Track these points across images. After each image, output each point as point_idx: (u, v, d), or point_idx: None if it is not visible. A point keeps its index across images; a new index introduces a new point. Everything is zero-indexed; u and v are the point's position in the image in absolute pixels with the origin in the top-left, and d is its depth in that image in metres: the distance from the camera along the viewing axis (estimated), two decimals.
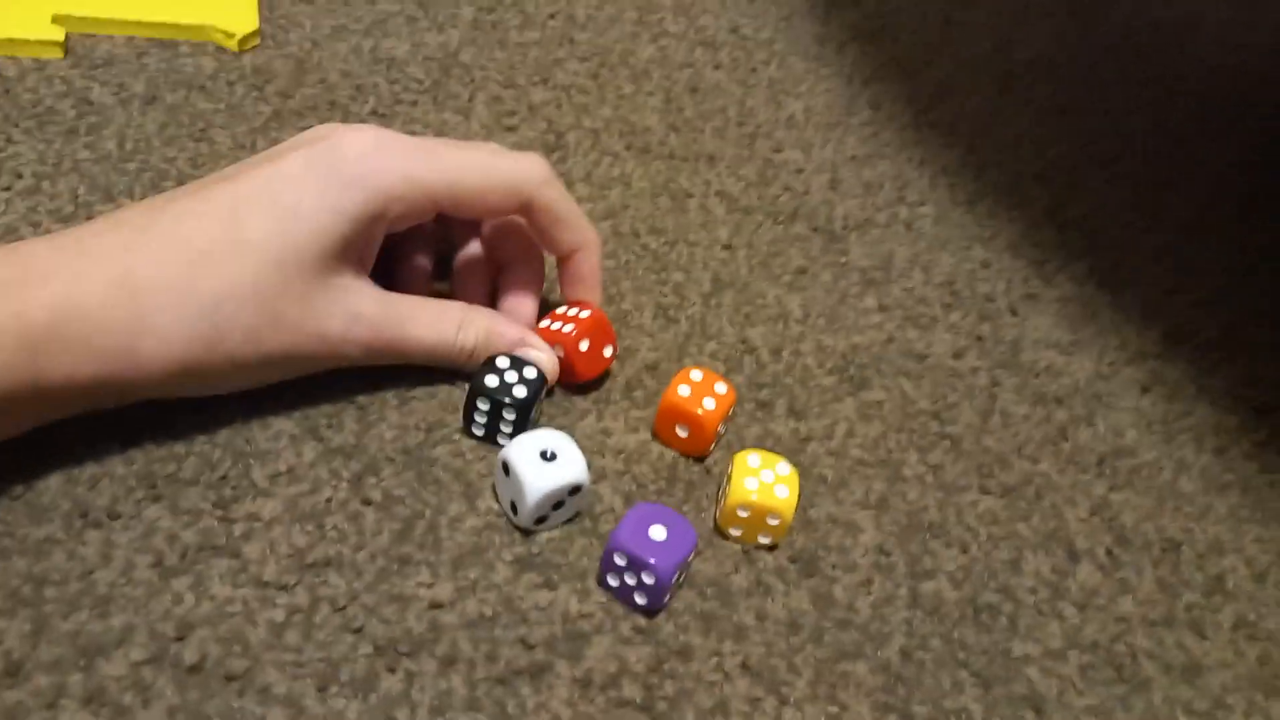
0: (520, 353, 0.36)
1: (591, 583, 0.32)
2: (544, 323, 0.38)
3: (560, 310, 0.38)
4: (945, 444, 0.40)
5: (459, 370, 0.36)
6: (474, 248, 0.39)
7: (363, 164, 0.32)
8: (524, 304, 0.38)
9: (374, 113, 0.49)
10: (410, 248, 0.38)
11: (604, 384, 0.39)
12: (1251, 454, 0.43)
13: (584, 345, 0.37)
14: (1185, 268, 0.53)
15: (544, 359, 0.36)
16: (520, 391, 0.34)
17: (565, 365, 0.37)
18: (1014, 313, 0.47)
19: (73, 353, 0.28)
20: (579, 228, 0.37)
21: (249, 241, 0.30)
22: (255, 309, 0.30)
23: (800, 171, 0.53)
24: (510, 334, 0.36)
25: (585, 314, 0.37)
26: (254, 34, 0.51)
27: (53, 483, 0.31)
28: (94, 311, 0.28)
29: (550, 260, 0.39)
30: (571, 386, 0.38)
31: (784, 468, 0.34)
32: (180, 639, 0.28)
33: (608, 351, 0.38)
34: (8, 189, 0.40)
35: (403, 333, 0.34)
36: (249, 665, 0.28)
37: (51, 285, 0.28)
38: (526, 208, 0.35)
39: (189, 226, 0.30)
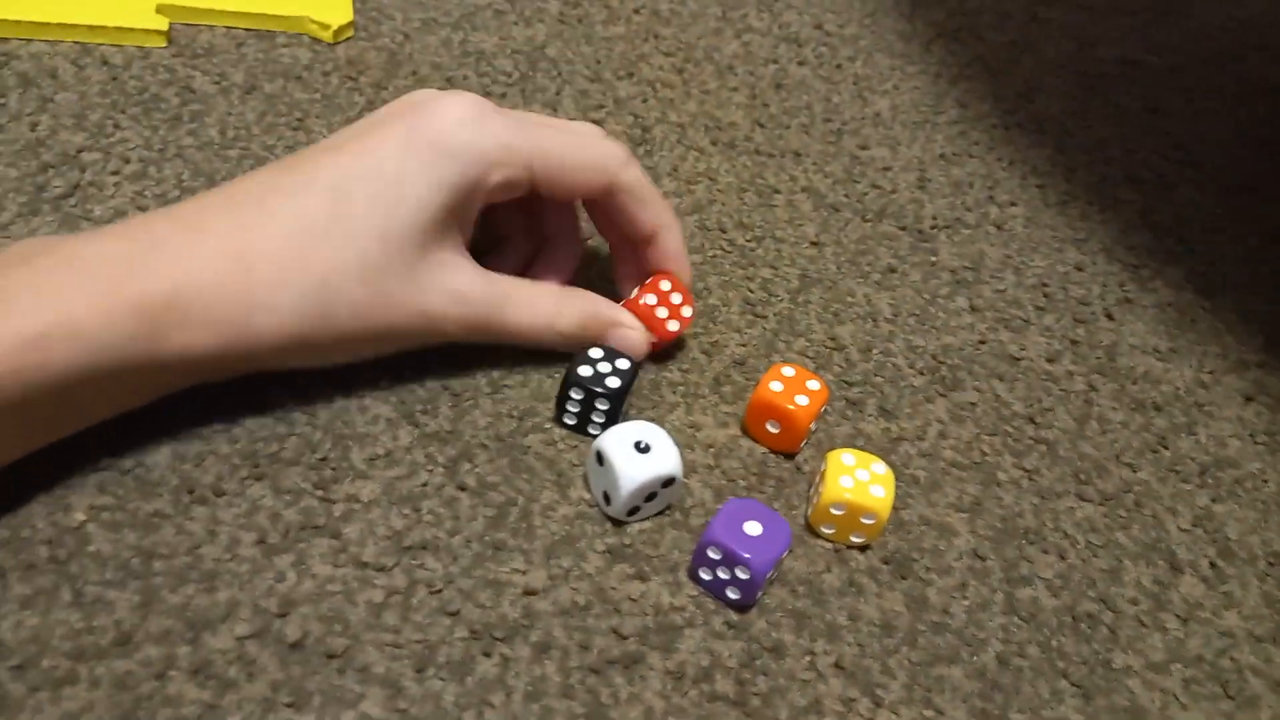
0: (616, 334, 0.36)
1: (683, 576, 0.32)
2: (646, 299, 0.37)
3: (661, 286, 0.38)
4: (1041, 449, 0.39)
5: (551, 354, 0.37)
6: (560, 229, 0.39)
7: (462, 133, 0.32)
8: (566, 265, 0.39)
9: None
10: (504, 226, 0.39)
11: (692, 378, 0.38)
12: None
13: (673, 326, 0.37)
14: (1278, 274, 0.52)
15: (639, 342, 0.37)
16: (614, 382, 0.34)
17: (658, 327, 0.37)
18: (1110, 317, 0.46)
19: (190, 326, 0.29)
20: (661, 208, 0.37)
21: (355, 218, 0.31)
22: (361, 285, 0.31)
23: (887, 169, 0.52)
24: (608, 314, 0.36)
25: (688, 310, 0.38)
26: (348, 25, 0.51)
27: (161, 459, 0.31)
28: (210, 287, 0.29)
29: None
30: (663, 376, 0.38)
31: (879, 467, 0.34)
32: (283, 615, 0.28)
33: (688, 311, 0.38)
34: (116, 173, 0.41)
35: (501, 314, 0.34)
36: (349, 644, 0.28)
37: (170, 261, 0.29)
38: (610, 188, 0.36)
39: (298, 203, 0.31)
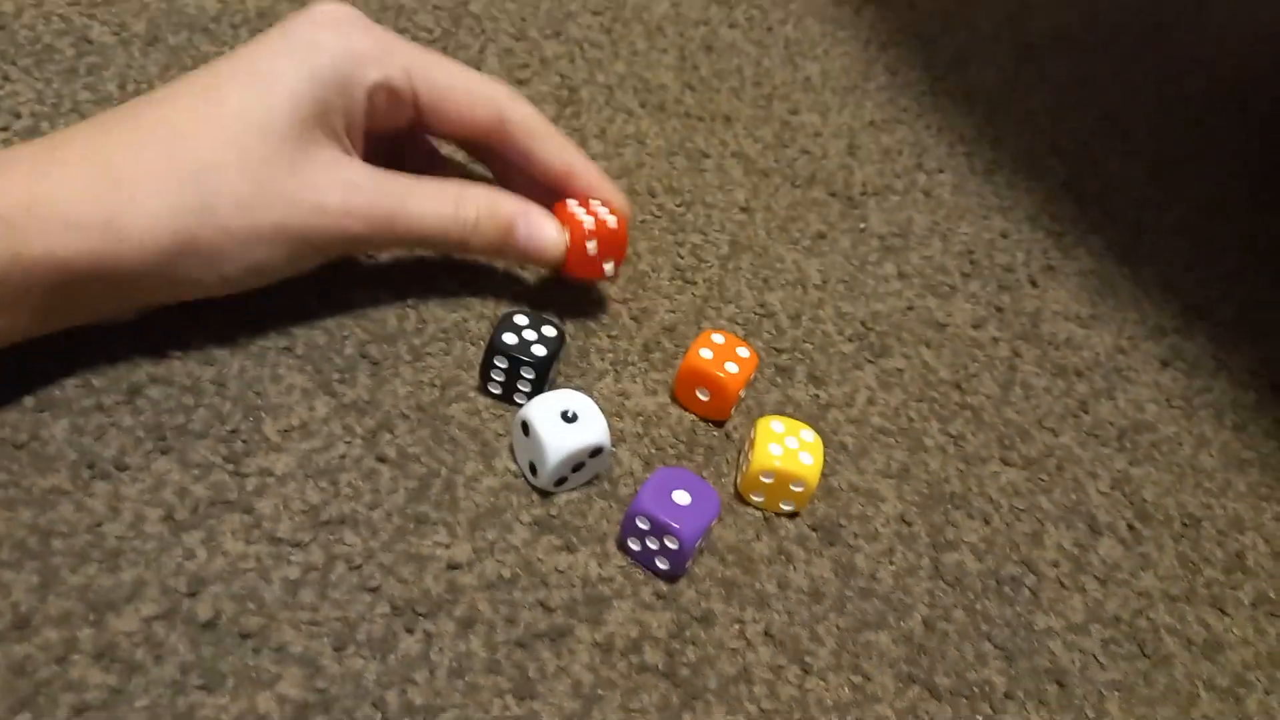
0: (525, 223, 0.34)
1: (611, 547, 0.31)
2: (569, 202, 0.36)
3: (591, 201, 0.36)
4: (966, 414, 0.39)
5: (475, 320, 0.35)
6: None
7: (339, 31, 0.32)
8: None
9: None
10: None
11: (621, 344, 0.38)
12: (1271, 431, 0.43)
13: (591, 246, 0.35)
14: (1202, 244, 0.53)
15: (550, 232, 0.35)
16: (539, 350, 0.33)
17: (569, 256, 0.35)
18: (1034, 284, 0.47)
19: (50, 228, 0.27)
20: (562, 141, 0.36)
21: (229, 111, 0.29)
22: (242, 176, 0.29)
23: (818, 135, 0.52)
24: (512, 204, 0.35)
25: (612, 220, 0.36)
26: None
27: (58, 432, 0.29)
28: (70, 188, 0.27)
29: None
30: (591, 344, 0.37)
31: (808, 435, 0.33)
32: (193, 595, 0.27)
33: (609, 268, 0.36)
34: (5, 129, 0.38)
35: (403, 204, 0.33)
36: (264, 623, 0.27)
37: (26, 171, 0.27)
38: (501, 120, 0.34)
39: (167, 108, 0.29)
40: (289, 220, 0.30)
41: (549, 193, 0.36)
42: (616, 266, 0.37)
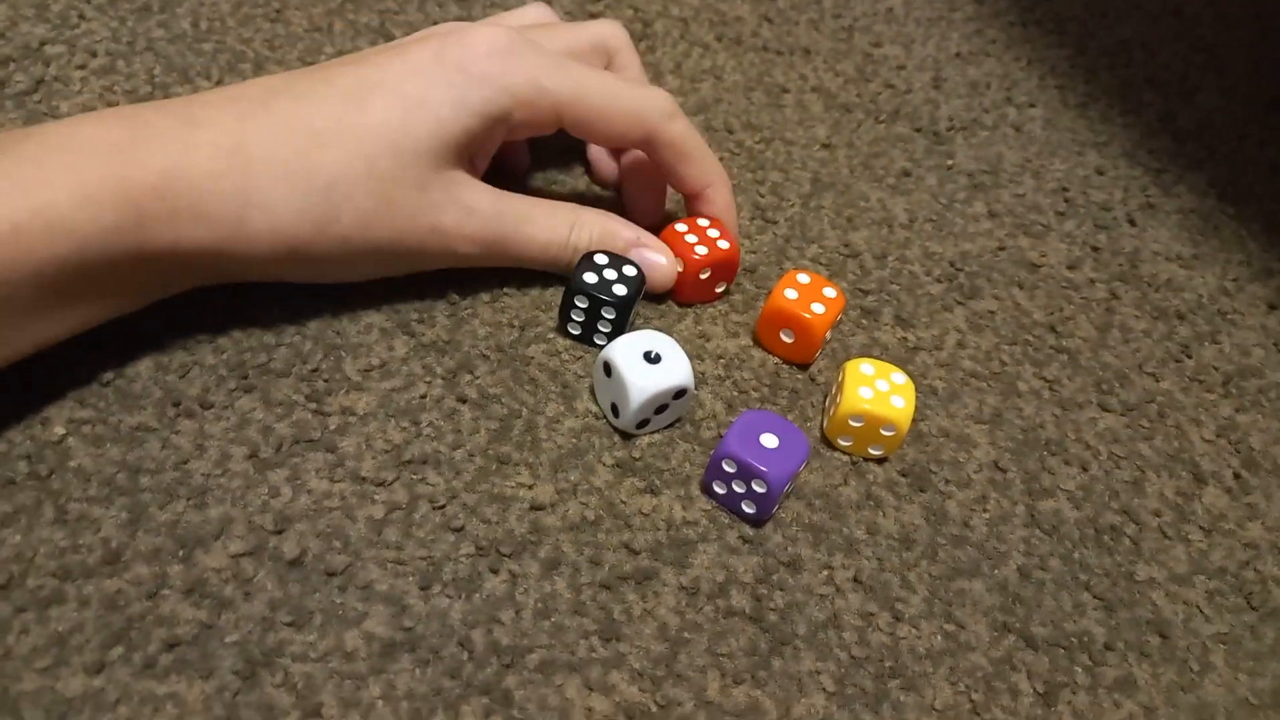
0: (635, 254, 0.34)
1: (695, 490, 0.31)
2: (679, 226, 0.35)
3: (699, 222, 0.36)
4: (1062, 358, 0.37)
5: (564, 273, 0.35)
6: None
7: (493, 63, 0.31)
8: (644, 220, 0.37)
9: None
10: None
11: None
12: None
13: (704, 275, 0.35)
14: None
15: (663, 261, 0.34)
16: (620, 290, 0.32)
17: (679, 284, 0.35)
18: (1132, 223, 0.44)
19: (179, 219, 0.27)
20: (707, 165, 0.35)
21: (369, 125, 0.29)
22: (368, 192, 0.29)
23: (901, 68, 0.50)
24: (626, 234, 0.34)
25: (724, 244, 0.35)
26: None
27: (142, 370, 0.29)
28: (203, 179, 0.27)
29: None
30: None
31: (899, 377, 0.32)
32: (279, 532, 0.27)
33: (720, 288, 0.36)
34: (82, 67, 0.38)
35: (516, 229, 0.32)
36: (349, 561, 0.27)
37: (161, 149, 0.27)
38: (650, 140, 0.34)
39: (309, 106, 0.29)
40: (404, 238, 0.31)
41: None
42: (728, 287, 0.37)
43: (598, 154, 0.39)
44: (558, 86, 0.32)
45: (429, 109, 0.30)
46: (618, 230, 0.34)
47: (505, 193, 0.33)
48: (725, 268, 0.35)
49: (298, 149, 0.28)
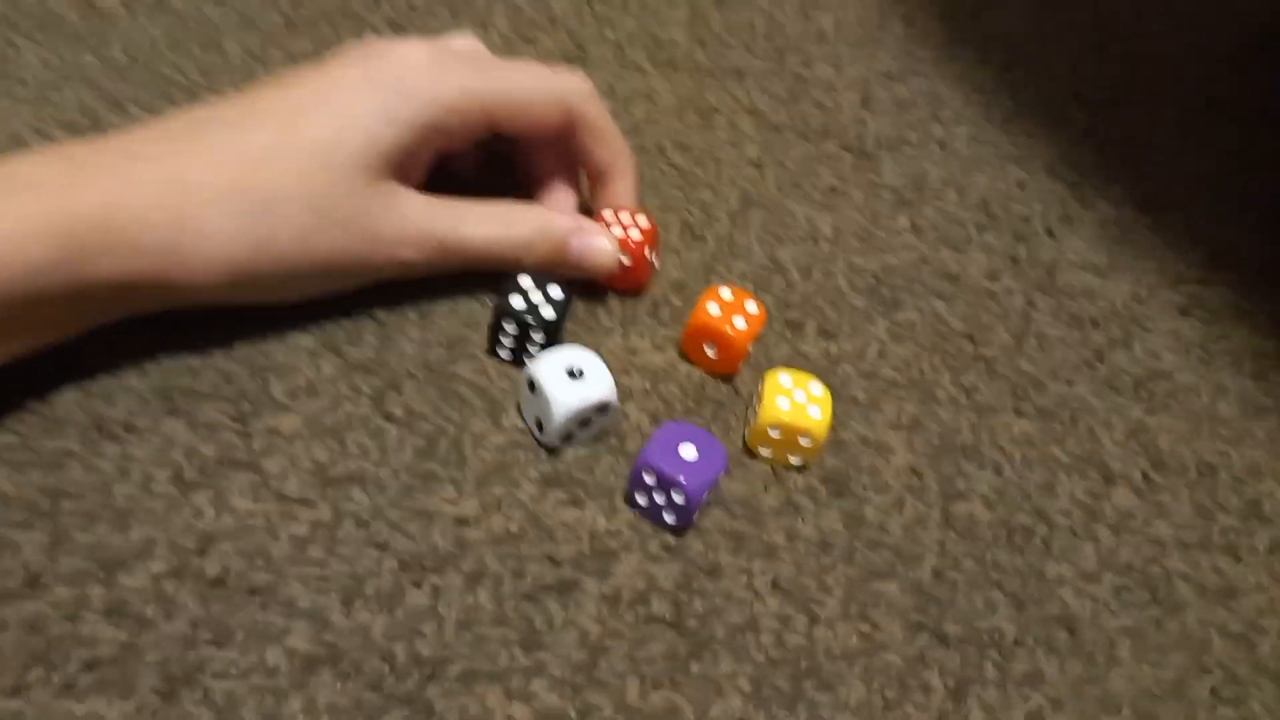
0: (577, 240, 0.35)
1: (619, 501, 0.31)
2: (605, 216, 0.37)
3: (610, 213, 0.37)
4: (979, 366, 0.39)
5: (479, 281, 0.35)
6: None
7: (419, 75, 0.32)
8: (566, 206, 0.38)
9: (389, 22, 0.48)
10: (458, 159, 0.38)
11: (629, 302, 0.37)
12: None
13: (649, 253, 0.36)
14: (1228, 195, 0.52)
15: (606, 245, 0.35)
16: (548, 313, 0.33)
17: (626, 273, 0.36)
18: (1050, 234, 0.46)
19: (119, 251, 0.27)
20: (618, 145, 0.36)
21: (301, 144, 0.30)
22: (304, 209, 0.30)
23: (831, 88, 0.51)
24: (564, 222, 0.35)
25: (645, 222, 0.36)
26: None
27: (67, 395, 0.30)
28: (142, 211, 0.27)
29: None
30: (598, 301, 0.37)
31: (816, 388, 0.33)
32: (202, 552, 0.27)
33: (657, 262, 0.38)
34: (11, 96, 0.38)
35: (455, 231, 0.33)
36: (272, 579, 0.27)
37: (98, 184, 0.27)
38: (569, 122, 0.35)
39: (241, 131, 0.30)
40: (344, 250, 0.31)
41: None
42: (659, 260, 0.38)
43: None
44: (483, 87, 0.33)
45: (359, 124, 0.31)
46: (556, 220, 0.35)
47: (441, 198, 0.34)
48: (655, 243, 0.37)
49: (232, 173, 0.29)
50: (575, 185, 0.38)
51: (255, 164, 0.29)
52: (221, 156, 0.29)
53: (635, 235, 0.36)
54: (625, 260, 0.36)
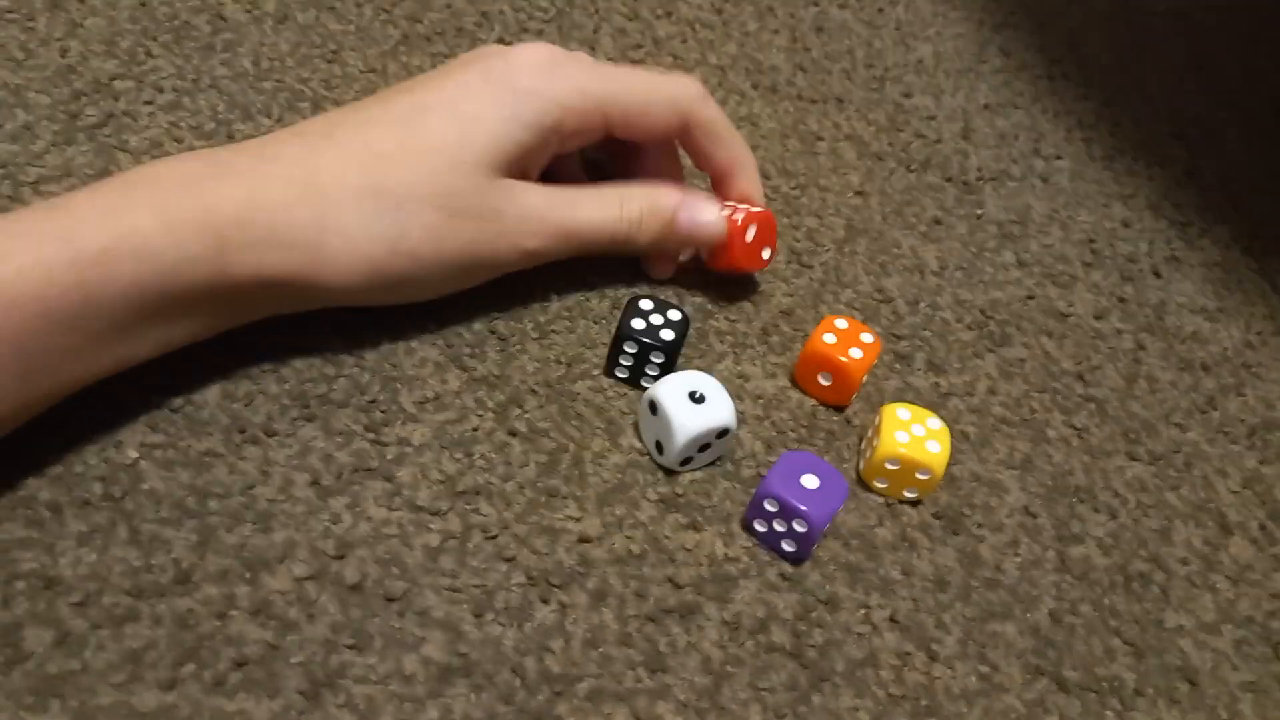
0: (685, 210, 0.35)
1: (735, 527, 0.32)
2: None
3: (729, 203, 0.37)
4: (1090, 407, 0.38)
5: (598, 301, 0.36)
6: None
7: (538, 76, 0.32)
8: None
9: (500, 41, 0.48)
10: (565, 165, 0.38)
11: (740, 328, 0.38)
12: None
13: (750, 233, 0.36)
14: None
15: (712, 216, 0.36)
16: (667, 334, 0.33)
17: (723, 248, 0.36)
18: (1157, 274, 0.46)
19: (259, 247, 0.28)
20: (736, 144, 0.37)
21: (428, 145, 0.31)
22: (435, 208, 0.31)
23: (931, 118, 0.51)
24: (672, 196, 0.36)
25: (756, 208, 0.37)
26: None
27: (210, 398, 0.31)
28: (280, 208, 0.28)
29: None
30: (710, 327, 0.37)
31: (935, 422, 0.33)
32: (340, 557, 0.28)
33: (766, 254, 0.37)
34: (150, 103, 0.40)
35: (573, 215, 0.34)
36: (407, 587, 0.28)
37: (239, 183, 0.28)
38: (685, 125, 0.35)
39: (371, 133, 0.31)
40: (473, 243, 0.32)
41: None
42: (772, 254, 0.38)
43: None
44: (600, 89, 0.34)
45: (482, 125, 0.32)
46: (664, 194, 0.36)
47: (555, 186, 0.34)
48: (766, 228, 0.37)
49: (365, 174, 0.30)
50: (681, 186, 0.38)
51: (385, 165, 0.30)
52: (353, 157, 0.30)
53: (738, 216, 0.36)
54: (723, 217, 0.36)
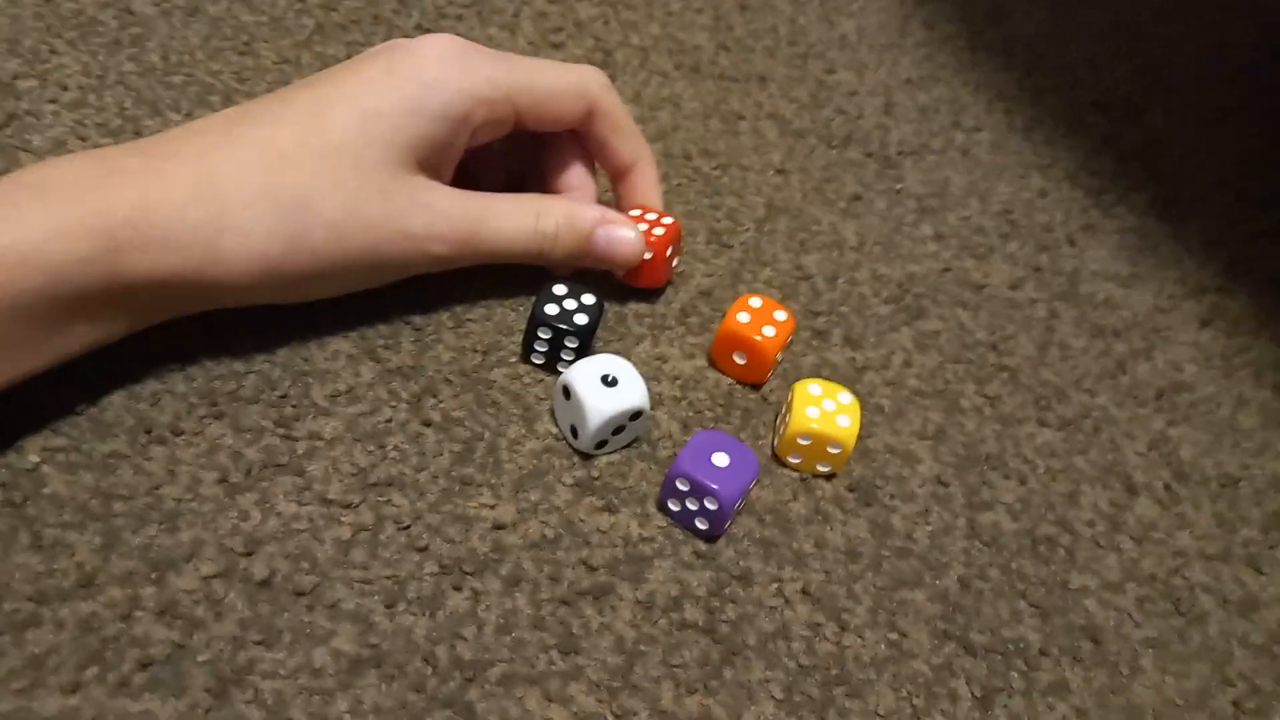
0: (603, 231, 0.35)
1: (651, 507, 0.32)
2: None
3: (636, 212, 0.37)
4: (1003, 376, 0.39)
5: (514, 287, 0.36)
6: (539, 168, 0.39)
7: (444, 67, 0.32)
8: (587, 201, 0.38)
9: (418, 27, 0.48)
10: (483, 167, 0.38)
11: (659, 309, 0.38)
12: None
13: (669, 252, 0.37)
14: (1247, 200, 0.52)
15: (631, 236, 0.36)
16: (581, 319, 0.34)
17: (645, 268, 0.37)
18: (1072, 243, 0.46)
19: (153, 248, 0.28)
20: (637, 139, 0.37)
21: (330, 142, 0.30)
22: (336, 205, 0.30)
23: (853, 94, 0.52)
24: (590, 214, 0.35)
25: (668, 220, 0.37)
26: None
27: (115, 399, 0.30)
28: (175, 208, 0.28)
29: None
30: (628, 309, 0.37)
31: (845, 397, 0.34)
32: (249, 554, 0.28)
33: (676, 262, 0.38)
34: (54, 101, 0.39)
35: (484, 224, 0.34)
36: (317, 581, 0.28)
37: (132, 184, 0.28)
38: (590, 114, 0.36)
39: (271, 130, 0.30)
40: (375, 246, 0.32)
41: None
42: (676, 260, 0.39)
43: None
44: (509, 78, 0.33)
45: (385, 119, 0.31)
46: (582, 211, 0.35)
47: (469, 191, 0.34)
48: (677, 240, 0.37)
49: (264, 171, 0.30)
50: (594, 185, 0.38)
51: (286, 161, 0.30)
52: (252, 155, 0.30)
53: (658, 231, 0.36)
54: (647, 254, 0.36)
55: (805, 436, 0.33)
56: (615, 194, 0.38)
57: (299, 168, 0.30)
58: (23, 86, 0.39)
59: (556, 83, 0.35)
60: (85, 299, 0.27)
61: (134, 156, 0.29)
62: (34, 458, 0.28)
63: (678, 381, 0.36)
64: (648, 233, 0.36)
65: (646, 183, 0.38)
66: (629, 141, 0.37)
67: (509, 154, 0.39)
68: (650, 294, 0.38)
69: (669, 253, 0.37)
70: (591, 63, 0.49)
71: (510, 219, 0.34)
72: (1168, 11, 0.65)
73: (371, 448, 0.31)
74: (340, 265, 0.31)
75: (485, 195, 0.34)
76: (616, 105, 0.36)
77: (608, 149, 0.37)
